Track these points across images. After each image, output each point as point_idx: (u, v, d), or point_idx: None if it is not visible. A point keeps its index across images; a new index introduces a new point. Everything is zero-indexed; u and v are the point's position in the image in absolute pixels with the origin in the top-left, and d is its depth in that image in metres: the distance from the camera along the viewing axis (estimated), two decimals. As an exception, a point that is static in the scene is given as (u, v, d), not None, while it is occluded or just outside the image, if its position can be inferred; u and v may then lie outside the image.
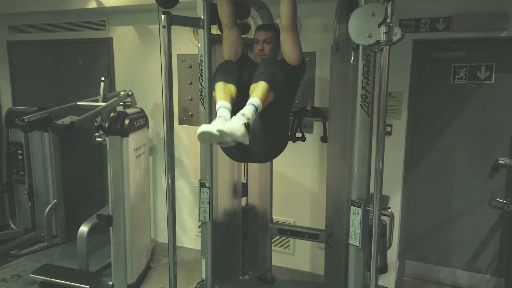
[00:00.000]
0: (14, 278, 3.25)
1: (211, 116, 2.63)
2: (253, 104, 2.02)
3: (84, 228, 3.15)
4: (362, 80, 2.04)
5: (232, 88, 2.21)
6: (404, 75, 2.94)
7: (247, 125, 1.93)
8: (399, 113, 2.98)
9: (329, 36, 2.79)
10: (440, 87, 3.04)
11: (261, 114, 2.09)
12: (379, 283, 2.60)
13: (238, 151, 2.27)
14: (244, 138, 1.90)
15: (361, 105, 2.10)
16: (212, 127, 1.83)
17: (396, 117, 2.99)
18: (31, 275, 3.10)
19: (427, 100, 3.09)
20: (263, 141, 2.27)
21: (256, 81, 2.07)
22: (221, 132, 1.82)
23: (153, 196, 3.89)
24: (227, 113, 2.06)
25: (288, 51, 2.22)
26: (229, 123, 1.89)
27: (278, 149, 2.44)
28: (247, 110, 1.98)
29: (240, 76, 2.38)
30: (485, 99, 2.93)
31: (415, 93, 3.04)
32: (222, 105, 2.09)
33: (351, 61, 2.16)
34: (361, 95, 2.07)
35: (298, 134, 2.85)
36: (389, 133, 2.99)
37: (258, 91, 2.05)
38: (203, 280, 2.79)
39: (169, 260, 2.60)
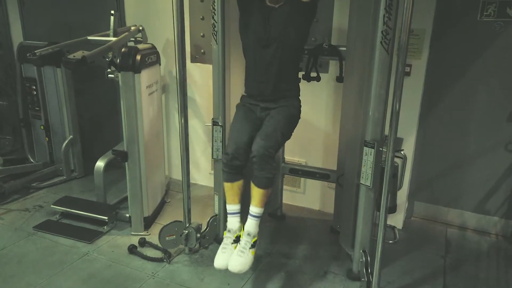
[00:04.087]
0: (37, 208, 3.42)
1: (224, 53, 2.56)
2: (254, 216, 2.25)
3: (100, 163, 3.24)
4: (384, 15, 1.94)
5: (238, 185, 2.34)
6: (428, 11, 2.76)
7: (254, 243, 2.22)
8: (420, 52, 2.85)
9: (351, -34, 2.61)
10: (465, 25, 2.87)
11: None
12: (388, 222, 2.66)
13: None
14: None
15: (381, 42, 2.01)
16: (225, 264, 2.18)
17: (416, 57, 2.86)
18: (52, 206, 3.25)
19: (451, 39, 2.93)
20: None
21: (253, 182, 2.24)
22: (236, 272, 2.15)
23: (166, 134, 3.93)
24: (236, 224, 2.34)
25: None
26: (243, 264, 2.15)
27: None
28: (251, 227, 2.23)
29: (249, 17, 2.31)
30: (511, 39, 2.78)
31: (439, 31, 2.88)
32: (231, 211, 2.35)
33: (374, -7, 2.03)
34: (382, 31, 1.98)
35: (313, 74, 2.77)
36: (408, 74, 2.88)
37: (256, 198, 2.24)
38: (216, 215, 2.90)
39: (183, 196, 2.69)
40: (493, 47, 2.84)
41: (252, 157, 2.21)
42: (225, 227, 2.91)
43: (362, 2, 2.34)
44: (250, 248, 2.19)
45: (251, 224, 2.25)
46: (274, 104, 2.38)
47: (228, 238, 2.31)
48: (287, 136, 2.39)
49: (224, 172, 2.36)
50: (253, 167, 2.24)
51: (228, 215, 2.38)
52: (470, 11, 2.82)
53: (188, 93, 3.02)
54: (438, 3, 2.76)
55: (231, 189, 2.36)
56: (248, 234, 2.23)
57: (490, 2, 2.76)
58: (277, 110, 2.36)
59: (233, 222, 2.36)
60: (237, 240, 2.29)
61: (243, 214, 2.37)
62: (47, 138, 4.04)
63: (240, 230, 2.35)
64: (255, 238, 2.23)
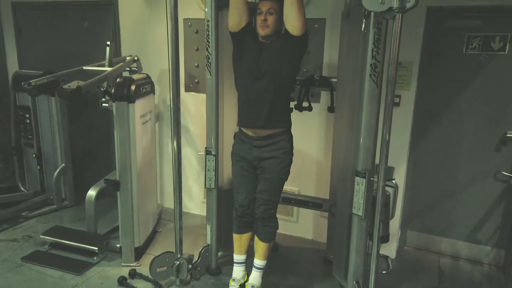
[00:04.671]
0: (25, 238, 3.35)
1: (217, 83, 2.61)
2: (258, 268, 2.55)
3: (92, 192, 3.21)
4: (372, 49, 2.00)
5: (246, 237, 2.62)
6: (415, 44, 2.86)
7: None
8: (408, 83, 2.93)
9: (340, 1, 2.71)
10: (452, 58, 2.96)
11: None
12: (381, 252, 2.65)
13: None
14: None
15: (370, 75, 2.06)
16: None
17: (405, 88, 2.94)
18: (41, 236, 3.20)
19: (438, 71, 3.02)
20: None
21: (257, 236, 2.53)
22: None
23: (159, 162, 3.93)
24: (240, 272, 2.63)
25: (292, 19, 2.15)
26: None
27: None
28: (255, 279, 2.54)
29: (242, 50, 2.36)
30: (497, 70, 2.87)
31: (426, 63, 2.98)
32: (237, 261, 2.65)
33: (362, 28, 2.10)
34: (371, 65, 2.04)
35: (305, 104, 2.82)
36: (397, 104, 2.95)
37: (259, 252, 2.52)
38: (208, 245, 2.87)
39: (175, 225, 2.66)
40: (479, 78, 2.93)
41: (256, 218, 2.50)
42: (217, 258, 2.89)
43: (352, 36, 2.42)
44: None
45: (256, 276, 2.53)
46: (266, 142, 2.40)
47: (233, 286, 2.59)
48: (283, 185, 2.55)
49: (234, 224, 2.62)
50: (257, 223, 2.51)
51: (234, 264, 2.64)
52: (456, 44, 2.93)
53: (182, 122, 3.05)
54: (424, 37, 2.87)
55: (239, 240, 2.61)
56: (252, 286, 2.51)
57: (475, 36, 2.87)
58: (270, 162, 2.41)
59: (238, 271, 2.62)
60: (241, 287, 2.60)
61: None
62: (38, 166, 4.02)
63: (244, 278, 2.64)
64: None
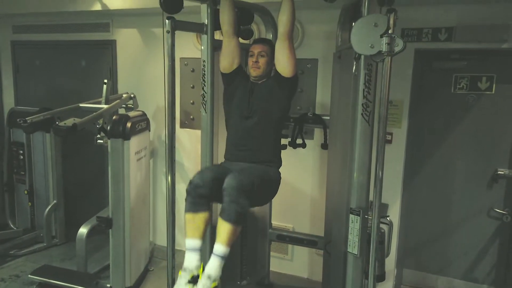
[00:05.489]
0: (13, 278, 3.25)
1: (212, 121, 2.64)
2: (217, 256, 1.96)
3: (83, 230, 3.16)
4: (363, 89, 2.06)
5: (202, 216, 2.10)
6: (405, 84, 2.95)
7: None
8: (399, 121, 2.99)
9: (332, 43, 2.81)
10: (441, 97, 3.05)
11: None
12: (377, 291, 2.60)
13: None
14: None
15: (361, 114, 2.11)
16: None
17: (396, 126, 3.00)
18: (29, 275, 3.11)
19: (428, 109, 3.10)
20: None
21: (221, 216, 1.99)
22: None
23: (152, 198, 3.90)
24: (193, 261, 2.02)
25: (283, 61, 2.21)
26: None
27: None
28: (212, 269, 1.94)
29: (233, 91, 2.39)
30: (485, 109, 2.95)
31: (416, 102, 3.06)
32: (191, 247, 2.05)
33: (353, 71, 2.17)
34: (362, 104, 2.08)
35: (299, 141, 2.86)
36: (390, 141, 3.00)
37: (222, 235, 1.98)
38: (201, 285, 2.78)
39: (167, 264, 2.60)
40: (468, 117, 3.01)
41: (223, 190, 2.00)
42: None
43: (343, 76, 2.50)
44: None
45: (214, 265, 1.95)
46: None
47: (182, 278, 2.00)
48: (262, 190, 2.19)
49: (187, 201, 2.14)
50: (223, 200, 2.02)
51: (186, 252, 2.07)
52: (444, 84, 3.02)
53: (176, 158, 3.05)
54: (413, 77, 2.97)
55: (192, 220, 2.09)
56: (209, 277, 1.93)
57: (462, 76, 2.97)
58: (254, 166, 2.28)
59: (190, 259, 2.03)
60: (193, 281, 1.98)
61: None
62: (30, 203, 3.97)
63: (198, 270, 2.03)
64: (215, 283, 1.93)
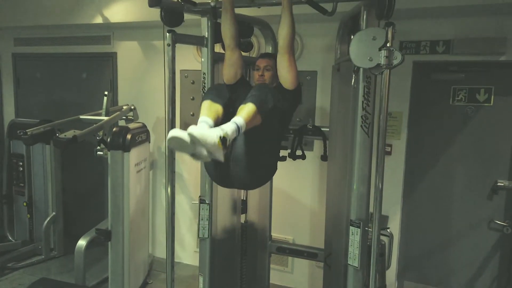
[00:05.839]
0: (10, 291, 3.23)
1: (212, 132, 2.65)
2: (235, 122, 1.88)
3: (82, 242, 3.14)
4: (363, 102, 2.07)
5: (219, 108, 2.06)
6: (404, 96, 2.97)
7: (223, 139, 1.78)
8: (399, 133, 3.00)
9: (331, 56, 2.83)
10: (439, 109, 3.07)
11: (246, 138, 2.03)
12: (378, 304, 2.58)
13: (218, 172, 2.20)
14: (217, 151, 1.78)
15: (361, 126, 2.12)
16: (183, 132, 1.74)
17: (396, 137, 3.01)
18: (27, 288, 3.09)
19: (427, 121, 3.11)
20: (245, 166, 2.14)
21: (245, 103, 1.96)
22: (192, 137, 1.72)
23: (152, 210, 3.88)
24: (205, 126, 1.90)
25: (284, 73, 2.22)
26: (202, 130, 1.75)
27: (262, 178, 2.32)
28: (227, 126, 1.85)
29: (235, 99, 2.39)
30: (484, 121, 2.96)
31: (415, 113, 3.07)
32: (203, 120, 1.95)
33: (352, 83, 2.19)
34: (361, 116, 2.10)
35: (299, 152, 2.86)
36: (389, 153, 3.01)
37: (244, 112, 1.93)
38: (200, 298, 2.76)
39: (166, 277, 2.58)
40: (467, 128, 3.02)
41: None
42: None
43: (342, 88, 2.51)
44: (217, 135, 1.78)
45: (228, 125, 1.86)
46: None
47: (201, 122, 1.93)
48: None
49: (205, 93, 2.17)
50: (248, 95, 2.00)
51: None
52: (443, 96, 3.04)
53: (176, 169, 3.05)
54: (412, 89, 2.99)
55: (209, 107, 2.05)
56: (222, 129, 1.83)
57: (460, 88, 2.99)
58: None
59: (201, 124, 1.93)
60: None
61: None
62: (28, 215, 3.95)
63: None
64: (226, 135, 1.82)
